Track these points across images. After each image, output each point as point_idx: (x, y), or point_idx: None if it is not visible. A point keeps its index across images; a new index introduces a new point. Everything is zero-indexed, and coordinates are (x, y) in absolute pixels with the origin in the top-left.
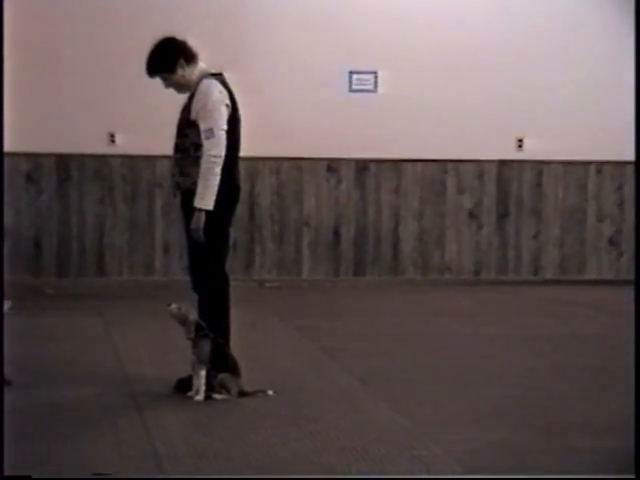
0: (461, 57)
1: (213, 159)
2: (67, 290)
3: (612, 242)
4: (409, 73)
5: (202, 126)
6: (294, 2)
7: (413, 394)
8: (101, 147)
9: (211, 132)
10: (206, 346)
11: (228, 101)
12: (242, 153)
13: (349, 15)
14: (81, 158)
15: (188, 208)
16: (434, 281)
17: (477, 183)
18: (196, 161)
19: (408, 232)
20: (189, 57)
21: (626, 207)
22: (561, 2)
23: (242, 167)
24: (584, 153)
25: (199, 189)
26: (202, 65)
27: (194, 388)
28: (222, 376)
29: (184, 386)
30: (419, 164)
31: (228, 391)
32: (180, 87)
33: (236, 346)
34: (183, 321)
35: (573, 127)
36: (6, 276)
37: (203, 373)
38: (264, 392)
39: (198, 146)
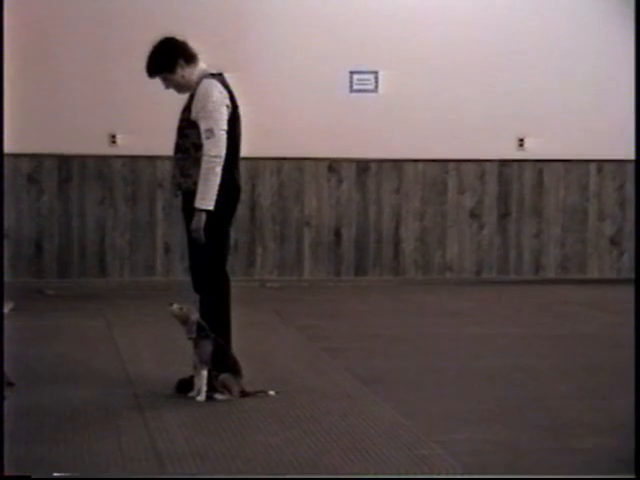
0: (462, 57)
1: (213, 159)
2: (68, 291)
3: (613, 241)
4: (410, 73)
5: (202, 126)
6: (294, 2)
7: (415, 394)
8: (102, 148)
9: (211, 132)
10: (207, 346)
11: (228, 101)
12: (243, 153)
13: (350, 15)
14: (82, 159)
15: (189, 208)
16: (435, 281)
17: (478, 183)
18: (197, 161)
19: (409, 232)
20: (189, 57)
21: (627, 206)
22: (563, 2)
23: (243, 167)
24: (585, 152)
25: (199, 189)
26: (202, 65)
27: (195, 388)
28: (223, 376)
29: (186, 386)
30: (420, 164)
31: (230, 391)
32: (180, 87)
33: (237, 346)
34: (184, 321)
35: (574, 126)
36: (7, 277)
37: (205, 373)
38: (265, 392)
39: (199, 146)
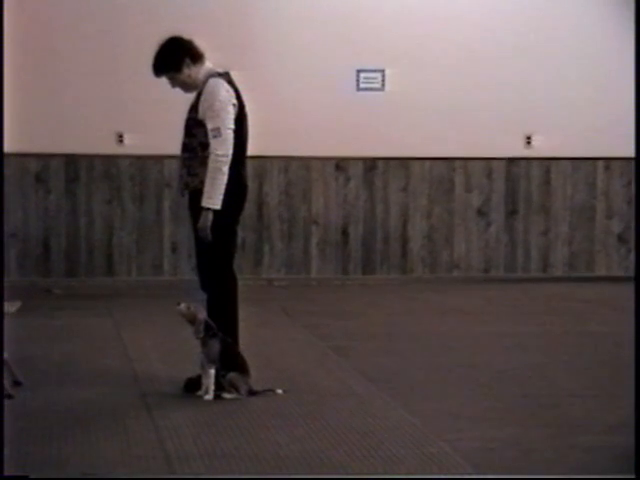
0: (469, 55)
1: (220, 158)
2: (76, 290)
3: (621, 239)
4: (417, 71)
5: (209, 125)
6: (301, 1)
7: (422, 392)
8: (109, 147)
9: (218, 131)
10: (215, 345)
11: (235, 100)
12: (250, 152)
13: (356, 14)
14: (89, 158)
15: (196, 207)
16: (443, 279)
17: (485, 181)
18: (204, 161)
19: (417, 230)
20: (195, 56)
21: (635, 203)
22: (571, 3)
23: (250, 166)
24: (592, 150)
25: (206, 188)
26: (208, 64)
27: (203, 387)
28: (231, 375)
29: (193, 385)
30: (427, 162)
31: (237, 390)
32: (186, 86)
33: (245, 345)
34: (192, 320)
35: (581, 124)
36: (15, 277)
37: (212, 372)
38: (273, 391)
39: (206, 145)
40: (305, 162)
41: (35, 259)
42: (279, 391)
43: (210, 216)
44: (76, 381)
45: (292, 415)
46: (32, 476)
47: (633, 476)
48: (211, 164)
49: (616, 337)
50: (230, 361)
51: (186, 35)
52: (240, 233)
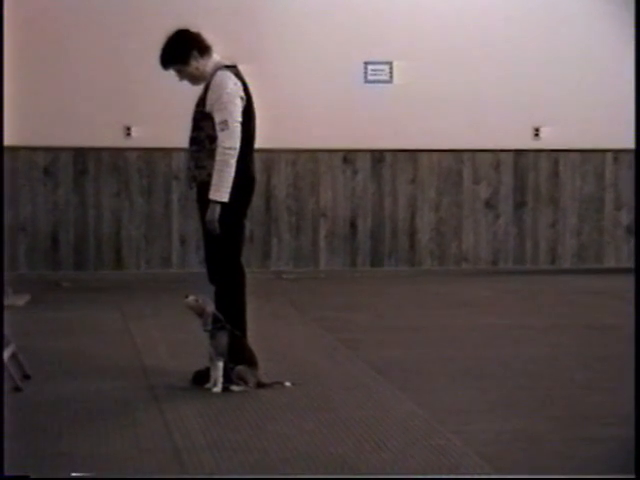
0: (477, 47)
1: (228, 151)
2: (84, 283)
3: (630, 230)
4: (424, 63)
5: (217, 118)
6: None
7: (431, 384)
8: (117, 140)
9: (226, 124)
10: (223, 338)
11: (242, 93)
12: (258, 145)
13: (364, 6)
14: (98, 151)
15: (204, 200)
16: (451, 271)
17: (494, 173)
18: (211, 153)
19: (425, 222)
20: (203, 49)
21: (635, 196)
22: None
23: (258, 159)
24: (601, 141)
25: (214, 181)
26: (216, 57)
27: (212, 380)
28: (239, 368)
29: (202, 378)
30: (435, 154)
31: (246, 383)
32: (194, 79)
33: (253, 338)
34: (200, 313)
35: (589, 115)
36: (24, 270)
37: (220, 365)
38: (281, 383)
39: (213, 138)
40: (313, 155)
41: (44, 252)
42: (287, 383)
43: (218, 209)
44: (84, 374)
45: (300, 407)
46: (34, 475)
47: (633, 476)
48: (219, 157)
49: (625, 329)
50: (238, 354)
51: (193, 28)
52: (248, 226)
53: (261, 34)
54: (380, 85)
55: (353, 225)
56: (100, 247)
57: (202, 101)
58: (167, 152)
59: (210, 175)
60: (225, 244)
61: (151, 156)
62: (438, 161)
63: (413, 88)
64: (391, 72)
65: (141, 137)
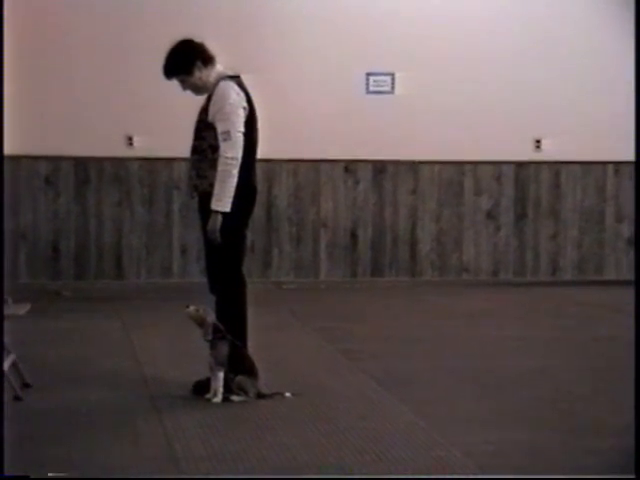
0: (478, 58)
1: (230, 161)
2: (85, 293)
3: (631, 242)
4: (426, 74)
5: (219, 128)
6: (311, 4)
7: (431, 395)
8: (119, 150)
9: (228, 134)
10: (224, 348)
11: (245, 103)
12: (259, 155)
13: (366, 17)
14: (99, 161)
15: (205, 210)
16: (452, 282)
17: (495, 184)
18: (213, 163)
19: (426, 233)
20: (206, 59)
21: (635, 205)
22: (579, 4)
23: (259, 169)
24: (602, 153)
25: (216, 191)
26: (219, 67)
27: (212, 390)
28: (240, 378)
29: (202, 388)
30: (436, 165)
31: (246, 393)
32: (197, 89)
33: (254, 348)
34: (201, 323)
35: (591, 127)
36: (24, 279)
37: (221, 375)
38: (282, 394)
39: (215, 148)
40: (314, 165)
41: (45, 261)
42: (287, 394)
43: (219, 219)
44: (85, 383)
45: (300, 418)
46: (33, 476)
47: (633, 476)
48: (221, 167)
49: (625, 341)
50: (239, 364)
51: (197, 38)
52: (249, 236)
53: (263, 45)
54: (382, 96)
55: (354, 235)
56: (101, 256)
57: (205, 111)
58: (168, 162)
59: (212, 185)
60: (226, 254)
61: (153, 166)
62: (439, 172)
63: (415, 99)
64: (393, 83)
65: (143, 147)
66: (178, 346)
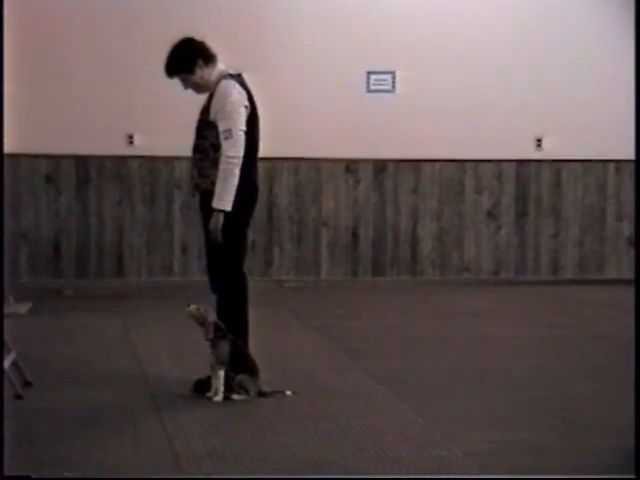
0: (479, 57)
1: (231, 160)
2: (86, 291)
3: (631, 241)
4: (427, 73)
5: (221, 127)
6: (312, 3)
7: (432, 394)
8: (120, 148)
9: (230, 133)
10: (225, 347)
11: (247, 102)
12: (260, 153)
13: (367, 15)
14: (100, 159)
15: (207, 209)
16: (453, 281)
17: (496, 183)
18: (215, 162)
19: (427, 232)
20: (208, 58)
21: (635, 204)
22: (583, 2)
23: (260, 167)
24: (603, 152)
25: (217, 190)
26: (221, 66)
27: (213, 389)
28: (241, 377)
29: (203, 387)
30: (437, 164)
31: (247, 391)
32: (199, 88)
33: (254, 347)
34: (202, 322)
35: (592, 126)
36: (25, 278)
37: (222, 374)
38: (282, 392)
39: (217, 147)
40: (315, 164)
41: (46, 260)
42: (288, 392)
43: (221, 217)
44: (86, 382)
45: (301, 416)
46: (34, 476)
47: (633, 476)
48: (222, 166)
49: (626, 340)
50: (239, 362)
51: (198, 37)
52: (250, 234)
53: (264, 44)
54: (383, 95)
55: (355, 234)
56: (102, 255)
57: (206, 110)
58: (169, 160)
59: (213, 184)
60: (227, 253)
61: (153, 164)
62: (440, 171)
63: (416, 98)
64: (394, 82)
65: (143, 145)
66: (179, 345)
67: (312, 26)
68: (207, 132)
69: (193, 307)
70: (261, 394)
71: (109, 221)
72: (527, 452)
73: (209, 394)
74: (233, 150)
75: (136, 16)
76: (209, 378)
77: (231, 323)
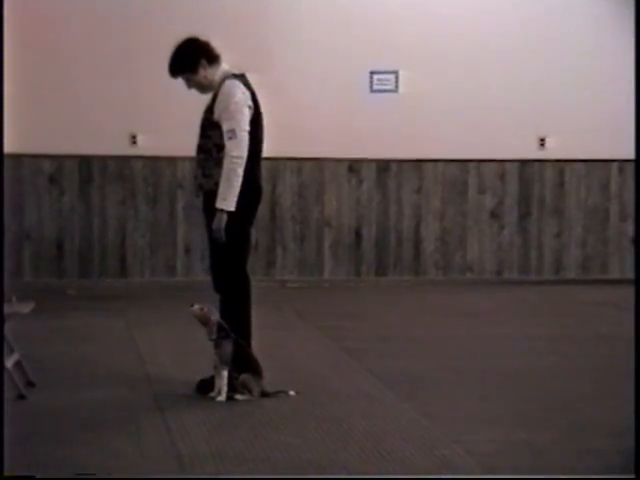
0: (482, 57)
1: (235, 160)
2: (89, 291)
3: (635, 241)
4: (430, 73)
5: (224, 127)
6: (315, 3)
7: (434, 394)
8: (123, 148)
9: (233, 133)
10: (228, 347)
11: (250, 102)
12: (263, 153)
13: (370, 15)
14: (103, 159)
15: (210, 209)
16: (456, 281)
17: (499, 183)
18: (219, 162)
19: (430, 232)
20: (211, 58)
21: (635, 205)
22: (581, 4)
23: (263, 167)
24: (606, 152)
25: (221, 190)
26: (224, 66)
27: (216, 389)
28: (244, 377)
29: (206, 387)
30: (440, 164)
31: (250, 392)
32: (202, 88)
33: (258, 347)
34: (205, 322)
35: (595, 126)
36: (28, 277)
37: (225, 374)
38: (286, 392)
39: (221, 147)
40: (318, 164)
41: (49, 260)
42: (291, 392)
43: (224, 217)
44: (89, 382)
45: (304, 417)
46: (39, 476)
47: (633, 476)
48: (226, 166)
49: (629, 340)
50: (243, 362)
51: (202, 36)
52: (253, 234)
53: (268, 44)
54: (386, 94)
55: (358, 234)
56: (105, 255)
57: (210, 109)
58: (172, 160)
59: (217, 184)
60: (231, 253)
61: (156, 164)
62: (443, 171)
63: (419, 98)
64: (397, 82)
65: (147, 145)
66: (182, 345)
67: (315, 26)
68: (211, 132)
69: (196, 307)
70: (264, 394)
71: (112, 221)
72: (528, 452)
73: (212, 394)
74: (237, 150)
75: (139, 16)
76: (212, 378)
77: (234, 323)
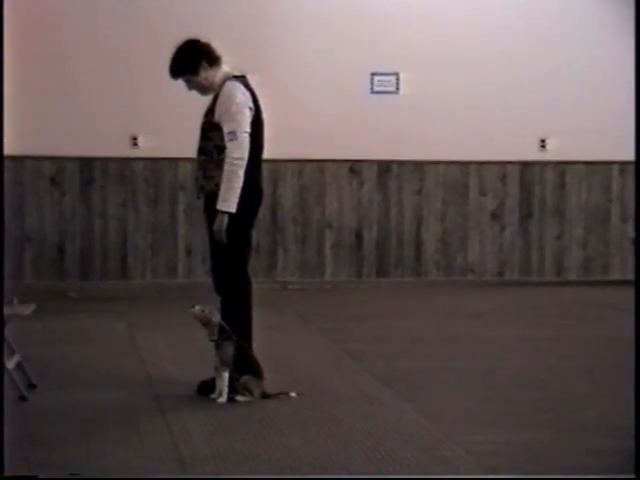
0: (483, 58)
1: (236, 161)
2: (90, 293)
3: (635, 242)
4: (431, 74)
5: (225, 128)
6: (316, 4)
7: (435, 395)
8: (124, 150)
9: (234, 134)
10: (229, 348)
11: (251, 103)
12: (264, 155)
13: (370, 17)
14: (104, 161)
15: (211, 210)
16: (457, 282)
17: (500, 184)
18: (219, 164)
19: (431, 233)
20: (212, 59)
21: (635, 205)
22: (581, 3)
23: (264, 169)
24: (607, 153)
25: (222, 191)
26: (225, 67)
27: (217, 390)
28: (245, 378)
29: (207, 388)
30: (441, 165)
31: (251, 393)
32: (203, 89)
33: (259, 348)
34: (206, 323)
35: (596, 127)
36: (30, 279)
37: (226, 375)
38: (287, 394)
39: (222, 149)
40: (319, 165)
41: (50, 262)
42: (292, 394)
43: (225, 219)
44: (90, 383)
45: (305, 418)
46: (39, 476)
47: (633, 476)
48: (227, 167)
49: (630, 341)
50: (244, 364)
51: (203, 38)
52: (254, 236)
53: (268, 45)
54: (386, 96)
55: (359, 236)
56: (106, 257)
57: (211, 111)
58: (173, 162)
59: (218, 185)
60: (232, 254)
61: (157, 166)
62: (444, 172)
63: (419, 99)
64: (397, 83)
65: (148, 147)
66: (183, 346)
67: (316, 28)
68: (212, 134)
69: (198, 308)
70: (265, 396)
71: (113, 223)
72: (528, 452)
73: (213, 395)
74: (238, 152)
75: (140, 17)
76: (213, 379)
77: (235, 324)
